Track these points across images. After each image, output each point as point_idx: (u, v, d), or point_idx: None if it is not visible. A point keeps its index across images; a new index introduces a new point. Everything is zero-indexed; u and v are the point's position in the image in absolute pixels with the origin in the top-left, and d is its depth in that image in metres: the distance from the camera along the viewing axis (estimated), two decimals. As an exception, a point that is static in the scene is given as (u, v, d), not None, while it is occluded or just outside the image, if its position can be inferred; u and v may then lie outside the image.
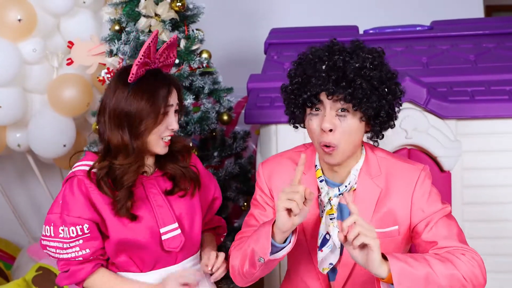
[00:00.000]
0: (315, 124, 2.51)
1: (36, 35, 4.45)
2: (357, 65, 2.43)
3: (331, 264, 2.63)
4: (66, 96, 4.46)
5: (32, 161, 5.00)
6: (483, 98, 3.43)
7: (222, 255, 2.87)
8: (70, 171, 2.83)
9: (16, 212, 5.32)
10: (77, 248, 2.74)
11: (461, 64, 3.79)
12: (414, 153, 3.46)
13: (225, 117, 3.97)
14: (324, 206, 2.62)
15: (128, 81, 2.66)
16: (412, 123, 3.42)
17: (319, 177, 2.66)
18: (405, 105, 3.43)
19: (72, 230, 2.72)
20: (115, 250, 2.80)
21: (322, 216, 2.63)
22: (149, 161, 2.88)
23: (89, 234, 2.75)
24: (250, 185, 4.03)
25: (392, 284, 2.29)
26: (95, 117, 3.87)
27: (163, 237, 2.80)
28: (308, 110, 2.54)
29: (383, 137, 2.62)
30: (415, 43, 4.10)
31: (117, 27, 3.85)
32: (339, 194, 2.60)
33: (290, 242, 2.48)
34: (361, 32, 4.41)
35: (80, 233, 2.72)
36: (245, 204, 3.96)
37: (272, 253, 2.46)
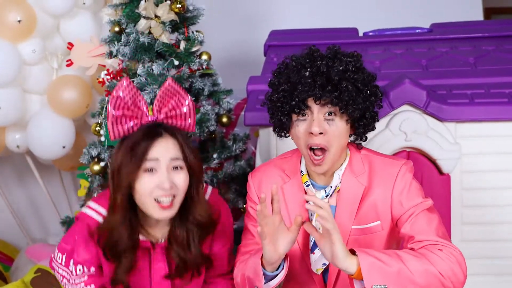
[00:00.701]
0: (302, 129, 2.58)
1: (35, 36, 4.44)
2: (341, 68, 2.51)
3: (324, 264, 2.68)
4: (65, 98, 4.44)
5: (31, 162, 4.99)
6: (483, 101, 3.41)
7: None
8: (82, 209, 2.82)
9: (15, 213, 5.31)
10: (82, 285, 2.76)
11: (460, 66, 3.77)
12: (413, 156, 3.44)
13: (225, 119, 3.97)
14: None
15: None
16: (412, 126, 3.40)
17: (305, 182, 2.73)
18: (405, 107, 3.43)
19: (79, 268, 2.75)
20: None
21: (312, 220, 2.68)
22: (160, 227, 2.77)
23: (94, 273, 2.76)
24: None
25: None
26: (95, 118, 3.89)
27: None
28: (294, 117, 2.60)
29: (366, 139, 2.70)
30: (415, 46, 4.08)
31: (117, 29, 3.84)
32: (326, 196, 2.67)
33: (283, 269, 2.55)
34: (360, 34, 4.39)
35: (86, 271, 2.74)
36: (244, 206, 3.96)
37: (267, 280, 2.53)
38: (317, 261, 2.68)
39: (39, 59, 4.48)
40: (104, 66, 3.98)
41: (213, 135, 3.95)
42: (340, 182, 2.67)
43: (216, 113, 3.91)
